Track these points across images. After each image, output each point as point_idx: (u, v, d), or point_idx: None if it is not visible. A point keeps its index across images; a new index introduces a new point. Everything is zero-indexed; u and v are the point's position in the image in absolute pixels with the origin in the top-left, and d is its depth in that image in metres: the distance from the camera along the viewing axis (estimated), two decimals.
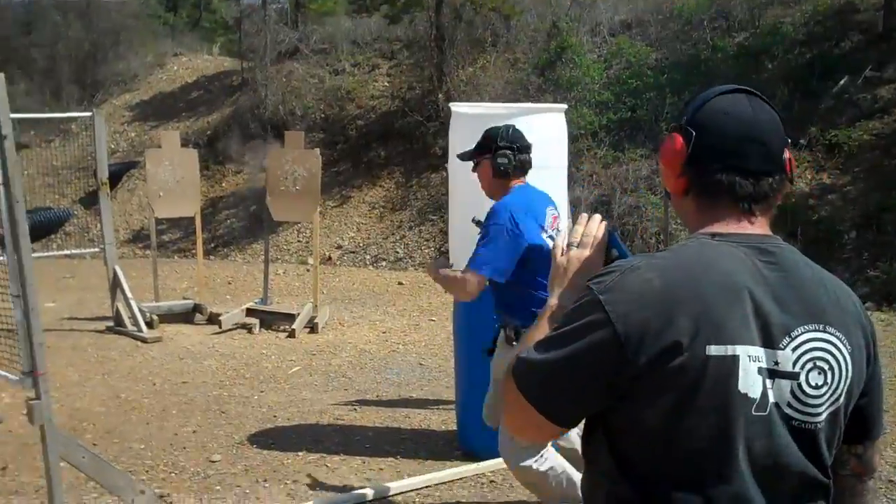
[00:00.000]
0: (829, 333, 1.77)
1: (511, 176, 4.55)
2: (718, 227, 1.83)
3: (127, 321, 10.26)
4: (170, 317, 10.80)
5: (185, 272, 14.78)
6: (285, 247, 16.77)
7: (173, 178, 10.96)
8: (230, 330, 10.33)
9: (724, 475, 1.70)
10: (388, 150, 18.79)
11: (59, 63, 25.10)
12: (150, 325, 10.25)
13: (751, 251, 1.78)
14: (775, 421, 1.72)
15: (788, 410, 1.73)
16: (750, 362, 1.69)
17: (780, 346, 1.72)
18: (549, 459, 4.45)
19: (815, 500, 1.79)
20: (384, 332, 10.47)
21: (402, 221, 16.82)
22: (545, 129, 6.17)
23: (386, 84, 20.83)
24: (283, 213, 10.93)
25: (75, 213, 20.02)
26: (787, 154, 1.86)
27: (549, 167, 6.15)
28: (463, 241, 6.26)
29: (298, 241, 17.06)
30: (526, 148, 4.58)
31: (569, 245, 1.99)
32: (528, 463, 4.41)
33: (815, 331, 1.75)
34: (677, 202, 1.94)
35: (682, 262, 1.76)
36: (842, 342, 1.77)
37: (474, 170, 4.74)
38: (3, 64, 25.21)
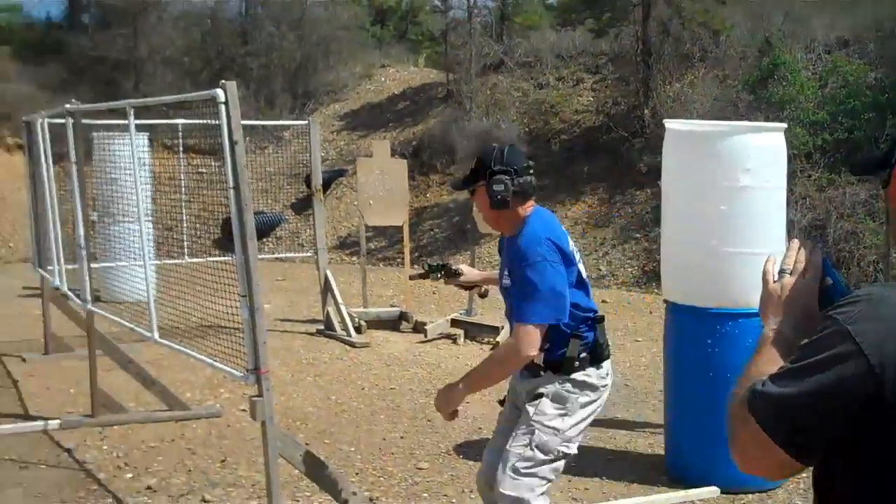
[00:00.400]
0: None
1: (511, 204, 3.91)
2: None
3: (337, 325, 10.58)
4: (376, 323, 11.08)
5: (391, 280, 15.09)
6: (487, 259, 16.86)
7: (383, 188, 11.23)
8: (435, 339, 10.50)
9: None
10: (591, 166, 18.66)
11: (273, 72, 26.07)
12: (358, 330, 10.55)
13: None
14: None
15: None
16: None
17: None
18: None
19: None
20: None
21: (605, 238, 16.66)
22: (764, 149, 6.03)
23: (590, 98, 20.71)
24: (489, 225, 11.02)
25: (287, 217, 20.76)
26: None
27: (768, 188, 6.00)
28: (676, 263, 6.18)
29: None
30: (525, 170, 3.94)
31: (781, 271, 1.91)
32: None
33: None
34: None
35: None
36: None
37: (471, 199, 4.30)
38: (220, 72, 26.44)
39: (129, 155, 7.97)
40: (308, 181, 19.03)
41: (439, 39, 25.73)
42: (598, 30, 20.82)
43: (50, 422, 7.31)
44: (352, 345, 10.14)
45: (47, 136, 8.09)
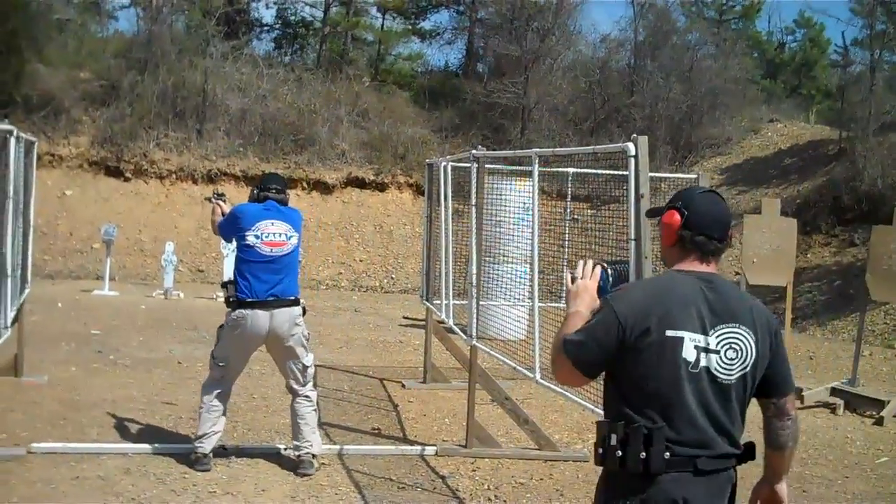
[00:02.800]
0: (741, 329, 3.01)
1: (256, 200, 7.01)
2: (685, 266, 3.12)
3: None
4: None
5: None
6: (870, 328, 15.83)
7: (769, 246, 10.92)
8: (812, 407, 10.01)
9: (677, 402, 2.94)
10: None
11: (656, 123, 26.01)
12: None
13: (700, 280, 3.05)
14: (703, 376, 2.97)
15: (714, 371, 2.97)
16: (690, 342, 2.95)
17: (710, 333, 2.98)
18: (213, 405, 6.78)
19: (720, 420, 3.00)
20: None
21: None
22: None
23: None
24: (884, 294, 10.41)
25: (655, 269, 20.62)
26: (730, 231, 3.17)
27: None
28: None
29: (885, 322, 16.07)
30: (267, 189, 6.99)
31: (575, 278, 3.27)
32: (204, 396, 6.83)
33: (732, 327, 3.01)
34: (665, 250, 3.19)
35: (659, 285, 3.14)
36: (748, 334, 3.02)
37: None
38: (604, 122, 26.84)
39: (516, 199, 8.27)
40: None
41: (835, 95, 24.64)
42: None
43: (427, 448, 7.66)
44: None
45: (449, 178, 8.52)
